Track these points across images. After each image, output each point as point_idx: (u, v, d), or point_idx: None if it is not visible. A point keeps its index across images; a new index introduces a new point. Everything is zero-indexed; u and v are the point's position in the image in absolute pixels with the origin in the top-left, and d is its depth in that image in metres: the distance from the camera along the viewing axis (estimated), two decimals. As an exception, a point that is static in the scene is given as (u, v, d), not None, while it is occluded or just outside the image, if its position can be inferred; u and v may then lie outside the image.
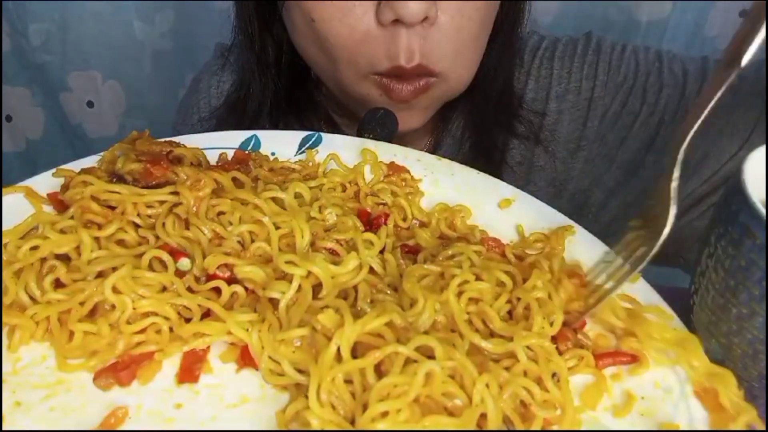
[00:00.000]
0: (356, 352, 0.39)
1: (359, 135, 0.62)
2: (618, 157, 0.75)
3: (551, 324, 0.42)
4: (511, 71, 0.77)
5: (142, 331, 0.42)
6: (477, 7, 0.63)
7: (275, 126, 0.76)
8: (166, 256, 0.44)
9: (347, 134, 0.62)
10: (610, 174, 0.76)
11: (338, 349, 0.38)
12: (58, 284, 0.43)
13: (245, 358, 0.41)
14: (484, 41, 0.68)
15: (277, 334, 0.41)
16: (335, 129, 0.79)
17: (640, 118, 0.73)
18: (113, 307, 0.42)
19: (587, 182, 0.78)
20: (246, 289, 0.44)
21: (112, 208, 0.47)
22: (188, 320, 0.43)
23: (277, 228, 0.46)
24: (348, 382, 0.38)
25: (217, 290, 0.43)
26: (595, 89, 0.75)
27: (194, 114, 0.84)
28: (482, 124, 0.76)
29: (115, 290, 0.42)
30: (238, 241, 0.46)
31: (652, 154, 0.73)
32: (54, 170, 0.50)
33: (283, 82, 0.75)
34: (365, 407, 0.36)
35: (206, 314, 0.43)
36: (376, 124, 0.64)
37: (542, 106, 0.77)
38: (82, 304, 0.41)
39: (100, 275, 0.43)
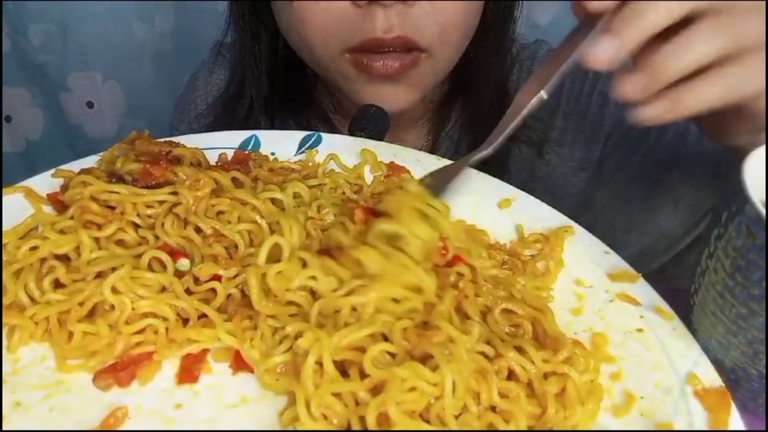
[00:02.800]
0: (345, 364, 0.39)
1: (350, 132, 0.62)
2: (612, 184, 0.76)
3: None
4: (504, 72, 0.77)
5: (141, 331, 0.42)
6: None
7: (270, 122, 0.76)
8: (165, 257, 0.44)
9: (344, 132, 0.62)
10: (600, 196, 0.77)
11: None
12: (57, 284, 0.43)
13: (239, 362, 0.41)
14: (471, 25, 0.67)
15: (259, 364, 0.40)
16: (331, 126, 0.79)
17: (639, 153, 0.74)
18: (112, 307, 0.41)
19: (581, 201, 0.78)
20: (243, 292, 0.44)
21: (112, 208, 0.47)
22: (187, 320, 0.43)
23: (273, 231, 0.46)
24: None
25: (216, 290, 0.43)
26: (604, 117, 0.75)
27: (191, 111, 0.84)
28: (478, 125, 0.75)
29: (114, 290, 0.42)
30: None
31: (645, 188, 0.74)
32: (53, 170, 0.50)
33: (278, 78, 0.75)
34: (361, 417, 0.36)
35: (205, 314, 0.43)
36: (368, 122, 0.64)
37: (549, 121, 0.77)
38: (81, 304, 0.41)
39: (100, 275, 0.43)
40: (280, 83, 0.75)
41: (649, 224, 0.74)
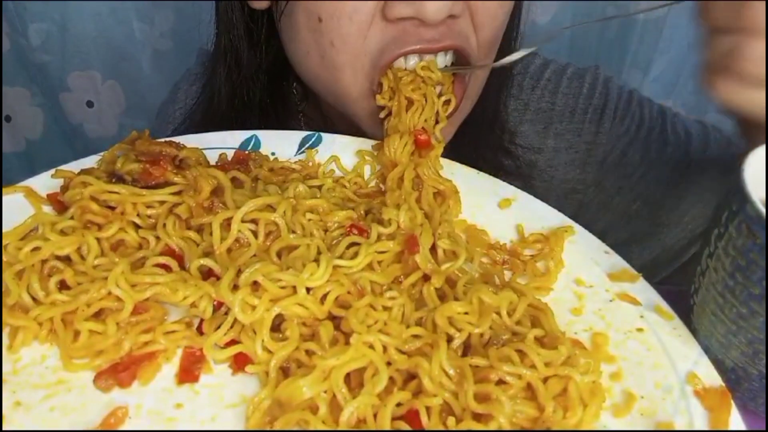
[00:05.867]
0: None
1: None
2: (612, 204, 0.74)
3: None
4: (501, 91, 0.72)
5: (147, 330, 0.42)
6: (501, 4, 0.59)
7: None
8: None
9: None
10: (602, 220, 0.74)
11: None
12: (62, 285, 0.43)
13: (239, 362, 0.41)
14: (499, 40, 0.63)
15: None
16: None
17: (639, 171, 0.72)
18: (119, 309, 0.41)
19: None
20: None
21: (112, 208, 0.47)
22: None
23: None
24: None
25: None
26: (599, 135, 0.72)
27: (170, 123, 0.80)
28: (461, 144, 0.67)
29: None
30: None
31: (647, 207, 0.72)
32: (53, 170, 0.50)
33: (257, 100, 0.69)
34: None
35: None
36: None
37: (539, 142, 0.73)
38: (88, 305, 0.41)
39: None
40: (258, 105, 0.70)
41: (653, 240, 0.72)
